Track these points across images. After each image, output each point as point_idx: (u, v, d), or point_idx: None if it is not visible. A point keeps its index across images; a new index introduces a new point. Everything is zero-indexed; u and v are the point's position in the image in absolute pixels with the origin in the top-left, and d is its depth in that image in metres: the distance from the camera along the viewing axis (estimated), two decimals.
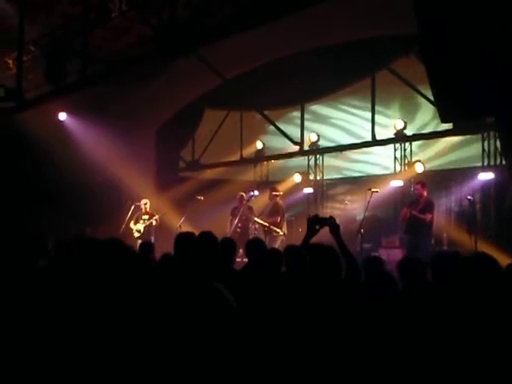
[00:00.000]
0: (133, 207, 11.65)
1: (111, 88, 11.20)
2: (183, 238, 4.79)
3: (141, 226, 11.70)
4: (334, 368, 2.99)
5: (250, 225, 11.70)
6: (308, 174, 14.27)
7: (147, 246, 6.53)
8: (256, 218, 11.29)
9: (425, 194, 9.79)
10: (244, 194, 11.75)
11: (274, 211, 11.18)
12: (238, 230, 11.25)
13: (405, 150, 12.67)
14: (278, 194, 11.48)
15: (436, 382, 3.10)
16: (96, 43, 9.80)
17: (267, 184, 14.80)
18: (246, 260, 5.60)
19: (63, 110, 12.13)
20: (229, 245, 5.24)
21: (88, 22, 9.42)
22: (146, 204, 11.85)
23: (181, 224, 11.20)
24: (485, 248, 8.79)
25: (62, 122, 12.24)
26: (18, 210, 10.88)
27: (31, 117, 10.89)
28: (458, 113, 6.00)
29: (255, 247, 5.37)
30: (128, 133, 12.44)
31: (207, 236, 4.52)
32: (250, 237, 11.47)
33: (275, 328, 2.94)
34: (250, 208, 11.61)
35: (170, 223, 11.75)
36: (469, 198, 10.44)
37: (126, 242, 4.97)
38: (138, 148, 12.95)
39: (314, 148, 13.38)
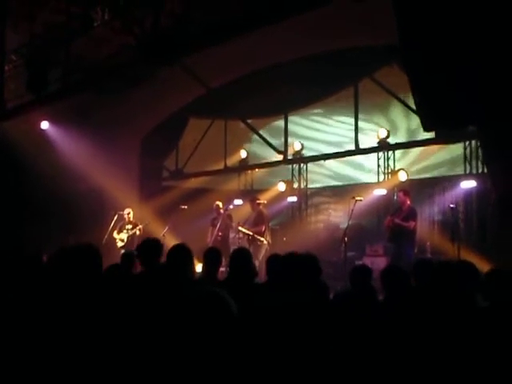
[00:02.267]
0: (116, 216, 11.56)
1: (94, 97, 11.15)
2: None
3: (124, 236, 11.61)
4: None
5: (231, 233, 11.68)
6: (292, 182, 14.29)
7: (129, 255, 6.48)
8: (240, 227, 11.26)
9: (407, 201, 9.83)
10: (220, 204, 11.75)
11: (258, 220, 11.18)
12: (219, 238, 11.23)
13: (388, 158, 12.75)
14: (260, 202, 11.48)
15: None
16: (78, 52, 9.75)
17: (251, 193, 14.81)
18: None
19: (46, 119, 12.03)
20: (213, 255, 5.21)
21: (70, 31, 9.37)
22: (129, 213, 11.77)
23: (164, 233, 11.14)
24: (468, 256, 8.85)
25: (44, 130, 12.13)
26: None
27: (13, 126, 10.80)
28: (440, 122, 6.06)
29: (240, 258, 5.32)
30: (111, 142, 12.36)
31: (181, 248, 4.49)
32: (231, 245, 11.53)
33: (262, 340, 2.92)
34: (229, 216, 11.60)
35: (154, 232, 11.68)
36: (451, 206, 10.52)
37: (110, 251, 4.97)
38: (121, 157, 12.86)
39: (298, 157, 13.41)
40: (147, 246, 5.24)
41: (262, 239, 10.87)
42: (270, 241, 11.10)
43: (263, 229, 11.00)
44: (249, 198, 11.92)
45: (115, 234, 11.57)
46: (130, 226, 11.65)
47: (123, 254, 6.91)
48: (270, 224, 11.68)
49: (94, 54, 9.85)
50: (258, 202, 11.44)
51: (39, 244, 6.79)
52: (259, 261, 9.99)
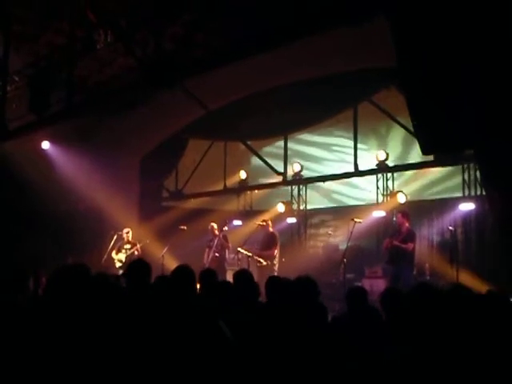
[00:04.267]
0: (115, 236, 11.56)
1: (95, 118, 11.24)
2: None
3: (122, 256, 11.60)
4: None
5: (227, 254, 11.68)
6: (291, 203, 14.33)
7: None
8: (239, 248, 11.25)
9: (406, 223, 9.85)
10: (215, 225, 11.75)
11: (270, 243, 11.02)
12: (215, 259, 11.23)
13: (387, 180, 12.81)
14: (268, 223, 11.43)
15: None
16: (81, 74, 9.84)
17: (251, 213, 14.83)
18: None
19: (46, 139, 12.10)
20: (209, 277, 5.23)
21: (73, 53, 9.47)
22: (128, 233, 11.76)
23: (163, 254, 11.14)
24: (466, 278, 8.87)
25: (45, 150, 12.19)
26: None
27: (14, 145, 10.85)
28: (438, 145, 6.12)
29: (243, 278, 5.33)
30: (111, 162, 12.42)
31: (184, 270, 4.50)
32: (228, 266, 11.55)
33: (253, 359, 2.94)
34: (225, 237, 11.59)
35: (153, 253, 11.68)
36: (450, 228, 10.55)
37: (109, 272, 4.97)
38: (121, 177, 12.92)
39: (298, 178, 13.46)
40: (136, 267, 5.19)
41: (261, 261, 10.86)
42: (277, 264, 11.00)
43: (275, 252, 10.93)
44: (260, 220, 11.82)
45: (114, 255, 11.56)
46: (128, 246, 11.64)
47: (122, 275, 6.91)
48: None
49: (96, 75, 9.95)
50: (264, 223, 11.40)
51: (37, 264, 6.81)
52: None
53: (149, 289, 4.65)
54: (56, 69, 9.80)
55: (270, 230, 11.34)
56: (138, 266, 5.07)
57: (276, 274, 10.41)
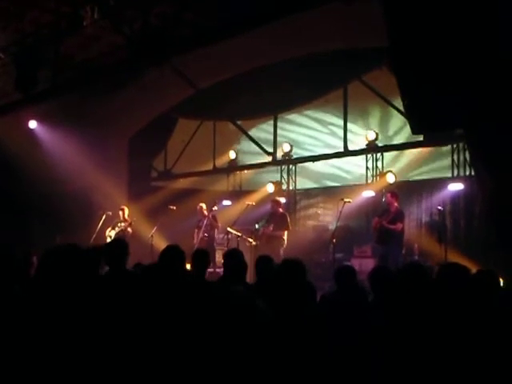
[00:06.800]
0: (104, 216, 11.50)
1: (83, 96, 11.10)
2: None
3: (113, 233, 11.54)
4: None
5: (216, 234, 11.66)
6: (281, 183, 14.31)
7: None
8: (229, 228, 11.23)
9: (395, 203, 9.87)
10: (204, 206, 11.69)
11: (282, 224, 10.83)
12: (205, 239, 11.20)
13: (376, 160, 12.81)
14: (280, 203, 11.28)
15: None
16: (67, 51, 9.70)
17: (240, 194, 14.81)
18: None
19: (34, 118, 11.97)
20: (201, 256, 5.22)
21: (59, 30, 9.32)
22: (123, 210, 11.72)
23: (153, 234, 11.12)
24: (454, 258, 8.92)
25: (32, 130, 12.06)
26: None
27: (1, 124, 10.72)
28: (428, 124, 6.10)
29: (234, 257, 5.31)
30: (100, 142, 12.32)
31: (173, 249, 4.48)
32: (217, 246, 11.58)
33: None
34: (214, 217, 11.56)
35: (142, 232, 11.65)
36: (439, 208, 10.59)
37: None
38: (109, 157, 12.83)
39: (287, 158, 13.43)
40: (114, 247, 5.17)
41: (251, 240, 10.86)
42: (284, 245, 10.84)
43: (284, 234, 10.86)
44: (271, 199, 11.72)
45: (108, 232, 11.52)
46: (123, 224, 11.59)
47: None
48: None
49: (83, 53, 9.82)
50: (280, 203, 11.26)
51: (26, 244, 6.76)
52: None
53: (126, 272, 4.63)
54: (42, 46, 9.65)
55: (281, 210, 11.23)
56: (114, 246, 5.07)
57: (281, 255, 10.23)
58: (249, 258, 10.39)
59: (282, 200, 11.64)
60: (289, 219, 11.15)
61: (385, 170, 12.24)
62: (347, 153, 11.98)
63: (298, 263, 3.68)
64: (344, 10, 7.31)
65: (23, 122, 11.76)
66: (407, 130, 9.65)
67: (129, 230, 11.48)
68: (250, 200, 11.96)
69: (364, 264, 10.34)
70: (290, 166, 14.40)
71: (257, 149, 13.26)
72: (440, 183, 11.72)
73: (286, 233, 10.84)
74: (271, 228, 10.82)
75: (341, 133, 11.97)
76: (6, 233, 9.49)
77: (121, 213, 11.71)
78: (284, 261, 3.78)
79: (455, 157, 11.55)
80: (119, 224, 11.60)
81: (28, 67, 9.68)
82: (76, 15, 8.99)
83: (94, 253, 4.66)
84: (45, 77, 9.69)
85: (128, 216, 11.73)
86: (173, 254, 4.41)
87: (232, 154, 14.45)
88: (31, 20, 9.95)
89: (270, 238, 10.77)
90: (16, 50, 10.23)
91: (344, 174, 14.11)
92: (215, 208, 11.58)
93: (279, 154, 13.18)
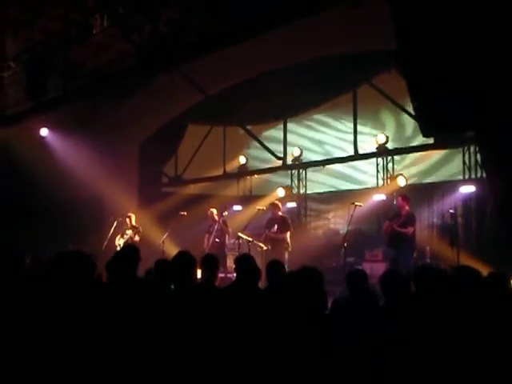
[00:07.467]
0: (115, 223, 11.53)
1: (93, 104, 11.16)
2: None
3: (122, 241, 11.54)
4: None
5: (227, 239, 11.65)
6: (291, 188, 14.28)
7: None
8: (240, 234, 11.21)
9: (406, 207, 9.82)
10: (214, 211, 11.69)
11: (284, 227, 10.84)
12: (216, 244, 11.19)
13: (387, 163, 12.76)
14: (279, 206, 11.27)
15: None
16: (77, 59, 9.76)
17: (250, 198, 14.80)
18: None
19: (45, 126, 12.05)
20: (211, 261, 5.22)
21: (69, 38, 9.38)
22: (129, 217, 11.72)
23: (164, 240, 11.13)
24: (466, 260, 8.86)
25: (43, 137, 12.14)
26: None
27: (12, 132, 10.81)
28: (439, 127, 6.08)
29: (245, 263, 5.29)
30: (110, 148, 12.38)
31: (185, 256, 4.48)
32: (229, 251, 11.55)
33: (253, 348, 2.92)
34: (225, 222, 11.55)
35: (154, 239, 11.66)
36: (451, 210, 10.52)
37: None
38: (120, 163, 12.89)
39: (297, 162, 13.41)
40: (124, 254, 5.13)
41: (262, 245, 10.83)
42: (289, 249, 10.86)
43: (287, 237, 10.84)
44: (270, 203, 11.73)
45: (117, 240, 11.52)
46: (130, 231, 11.60)
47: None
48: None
49: (93, 60, 9.88)
50: (279, 206, 11.25)
51: (36, 250, 6.79)
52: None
53: (134, 279, 4.61)
54: (52, 54, 9.72)
55: (280, 213, 11.22)
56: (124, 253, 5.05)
57: (286, 258, 10.29)
58: (260, 263, 10.39)
59: (280, 204, 11.59)
60: (289, 221, 11.17)
61: (395, 174, 12.20)
62: (357, 156, 11.94)
63: (316, 271, 3.69)
64: (350, 14, 7.29)
65: (35, 129, 11.85)
66: (418, 132, 9.61)
67: (136, 237, 11.46)
68: (261, 205, 11.93)
69: (375, 268, 10.30)
70: (300, 171, 14.37)
71: (267, 154, 13.26)
72: (451, 186, 11.65)
73: (289, 235, 10.84)
74: (275, 229, 10.83)
75: (350, 137, 11.94)
76: (17, 239, 9.55)
77: (128, 220, 11.70)
78: (303, 267, 3.78)
79: (466, 159, 11.48)
80: (127, 231, 11.59)
81: (38, 75, 9.76)
82: (86, 23, 9.05)
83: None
84: (55, 85, 9.76)
85: (135, 223, 11.74)
86: (184, 260, 4.41)
87: (242, 159, 14.45)
88: (41, 28, 10.03)
89: (274, 242, 10.77)
90: (26, 59, 10.32)
91: (355, 178, 14.06)
92: (226, 213, 11.57)
93: (289, 159, 13.17)
